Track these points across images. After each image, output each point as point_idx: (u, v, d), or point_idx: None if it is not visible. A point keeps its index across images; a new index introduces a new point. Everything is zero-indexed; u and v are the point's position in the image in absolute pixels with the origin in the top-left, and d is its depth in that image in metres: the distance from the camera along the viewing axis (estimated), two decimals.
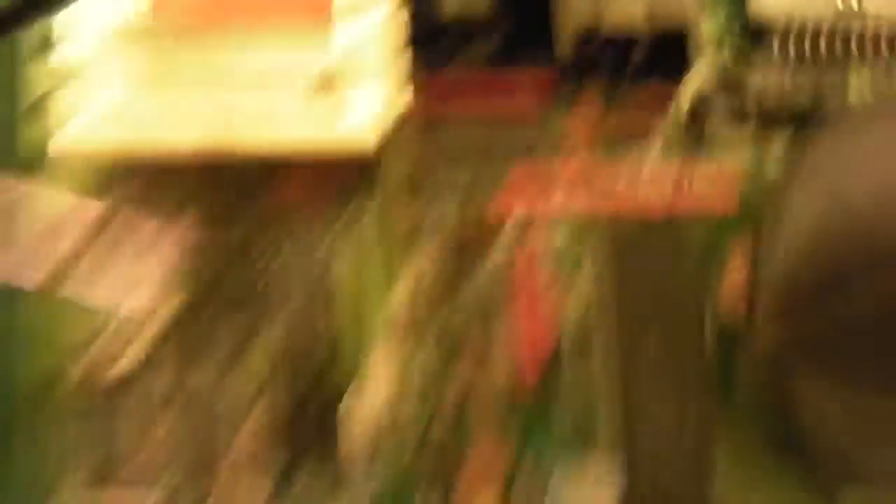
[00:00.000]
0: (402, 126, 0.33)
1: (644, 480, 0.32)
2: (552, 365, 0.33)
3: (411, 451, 0.32)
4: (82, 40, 0.31)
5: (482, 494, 0.32)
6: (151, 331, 0.32)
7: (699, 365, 0.33)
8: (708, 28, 0.35)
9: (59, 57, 0.31)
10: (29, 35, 0.33)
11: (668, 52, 0.34)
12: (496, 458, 0.32)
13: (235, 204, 0.32)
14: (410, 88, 0.33)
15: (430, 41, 0.33)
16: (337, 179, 0.32)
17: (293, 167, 0.31)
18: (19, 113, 0.33)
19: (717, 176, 0.35)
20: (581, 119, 0.34)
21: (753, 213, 0.35)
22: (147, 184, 0.32)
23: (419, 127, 0.33)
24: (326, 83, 0.31)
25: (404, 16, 0.33)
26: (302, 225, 0.33)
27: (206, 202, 0.32)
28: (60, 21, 0.31)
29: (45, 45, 0.32)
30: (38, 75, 0.33)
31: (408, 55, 0.33)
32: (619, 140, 0.35)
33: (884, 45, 0.36)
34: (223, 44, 0.31)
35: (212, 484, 0.31)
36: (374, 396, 0.32)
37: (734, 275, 0.34)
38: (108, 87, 0.31)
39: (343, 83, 0.31)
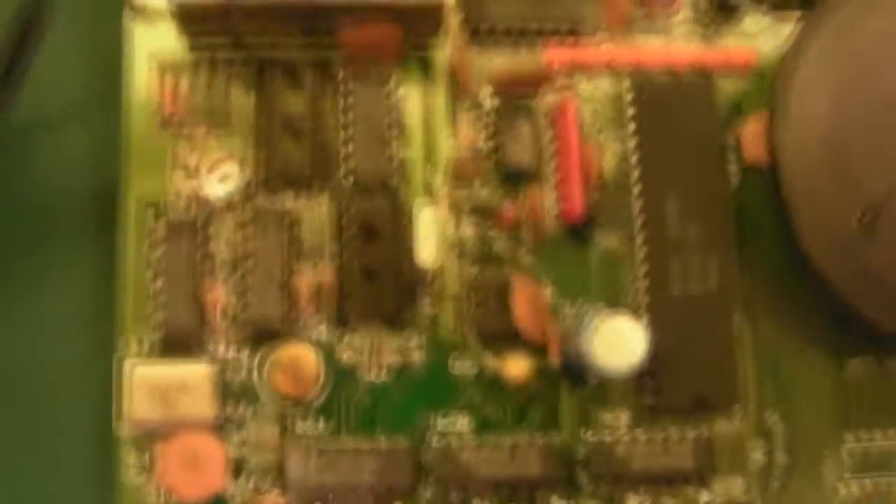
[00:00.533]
0: None
1: (670, 333, 0.36)
2: (595, 206, 0.37)
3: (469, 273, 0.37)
4: None
5: (529, 319, 0.36)
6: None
7: (723, 211, 0.37)
8: None
9: None
10: None
11: None
12: (540, 291, 0.36)
13: (318, 46, 0.37)
14: None
15: None
16: (409, 26, 0.36)
17: (370, 13, 0.35)
18: None
19: (742, 39, 0.39)
20: None
21: (772, 72, 0.38)
22: (240, 28, 0.36)
23: None
24: None
25: None
26: (378, 65, 0.37)
27: (294, 46, 0.37)
28: None
29: None
30: None
31: None
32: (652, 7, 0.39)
33: None
34: None
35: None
36: (439, 219, 0.36)
37: (756, 124, 0.38)
38: None
39: None
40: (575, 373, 0.35)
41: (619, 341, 0.34)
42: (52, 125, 0.37)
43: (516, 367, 0.35)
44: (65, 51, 0.38)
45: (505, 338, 0.36)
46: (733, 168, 0.38)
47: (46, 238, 0.37)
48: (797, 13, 0.39)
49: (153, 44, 0.37)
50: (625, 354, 0.34)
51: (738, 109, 0.38)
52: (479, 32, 0.38)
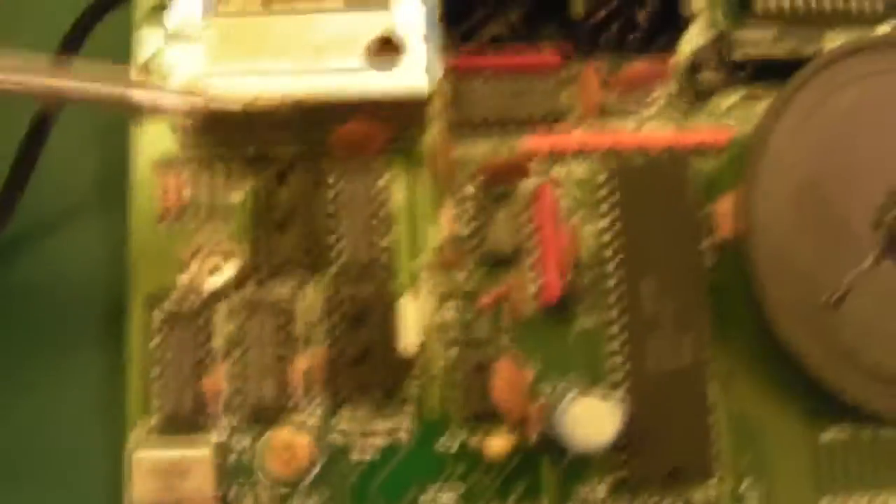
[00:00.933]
0: (445, 78, 0.39)
1: (647, 407, 0.37)
2: (572, 286, 0.39)
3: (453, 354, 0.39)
4: (186, 8, 0.37)
5: (508, 400, 0.38)
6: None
7: (698, 288, 0.38)
8: None
9: (168, 21, 0.37)
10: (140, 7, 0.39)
11: (666, 11, 0.39)
12: (520, 371, 0.38)
13: (309, 142, 0.39)
14: (450, 50, 0.40)
15: (468, 5, 0.39)
16: (394, 121, 0.38)
17: (358, 111, 0.37)
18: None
19: (714, 119, 0.41)
20: (589, 82, 0.40)
21: (744, 149, 0.40)
22: (232, 129, 0.38)
23: (457, 81, 0.40)
24: (385, 45, 0.37)
25: None
26: (365, 159, 0.39)
27: (284, 141, 0.39)
28: None
29: (157, 9, 0.39)
30: (149, 36, 0.39)
31: (448, 19, 0.39)
32: (626, 93, 0.41)
33: (854, 4, 0.42)
34: (295, 16, 0.37)
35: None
36: (424, 304, 0.38)
37: (730, 202, 0.39)
38: (201, 49, 0.37)
39: (400, 43, 0.37)
40: (554, 448, 0.37)
41: (592, 419, 0.36)
42: (61, 224, 0.40)
43: (497, 443, 0.37)
44: (72, 154, 0.40)
45: (486, 416, 0.38)
46: (708, 245, 0.39)
47: (57, 333, 0.39)
48: (769, 91, 0.41)
49: (154, 145, 0.39)
50: (597, 432, 0.36)
51: (712, 188, 0.40)
52: (461, 124, 0.40)
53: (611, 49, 0.40)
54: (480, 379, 0.38)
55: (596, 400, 0.36)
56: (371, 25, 0.37)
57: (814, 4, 0.41)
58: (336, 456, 0.38)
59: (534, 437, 0.37)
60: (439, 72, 0.38)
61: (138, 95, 0.35)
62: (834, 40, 0.41)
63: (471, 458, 0.38)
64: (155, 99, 0.36)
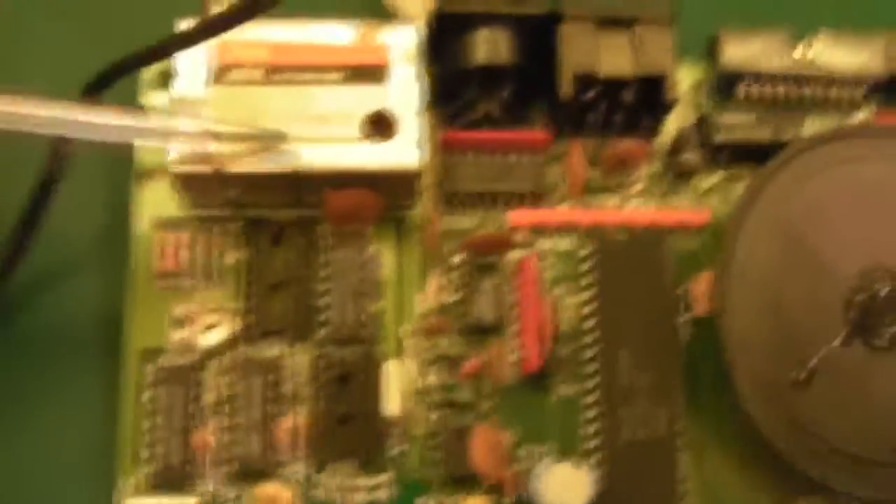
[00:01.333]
0: (436, 153, 0.41)
1: (619, 475, 0.39)
2: (551, 356, 0.40)
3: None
4: (190, 78, 0.39)
5: (486, 464, 0.39)
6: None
7: (673, 362, 0.40)
8: (684, 75, 0.43)
9: (172, 90, 0.38)
10: (148, 70, 0.41)
11: (650, 94, 0.41)
12: (499, 436, 0.40)
13: (303, 207, 0.40)
14: (441, 126, 0.41)
15: (460, 84, 0.41)
16: (386, 192, 0.40)
17: (352, 181, 0.39)
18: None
19: (694, 199, 0.43)
20: (575, 160, 0.42)
21: (720, 229, 0.41)
22: (236, 193, 0.39)
23: (447, 156, 0.42)
24: (379, 119, 0.39)
25: (440, 64, 0.41)
26: (357, 227, 0.41)
27: (281, 207, 0.41)
28: (176, 60, 0.38)
29: (163, 79, 0.41)
30: (153, 102, 0.41)
31: (440, 97, 0.41)
32: (610, 171, 0.42)
33: (833, 91, 0.44)
34: (295, 87, 0.39)
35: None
36: (408, 369, 0.40)
37: (707, 279, 0.41)
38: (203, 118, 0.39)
39: (393, 118, 0.39)
40: None
41: (565, 485, 0.37)
42: (62, 277, 0.41)
43: None
44: (77, 209, 0.42)
45: (465, 479, 0.39)
46: (684, 321, 0.41)
47: (53, 383, 0.41)
48: (748, 173, 0.42)
49: (156, 204, 0.41)
50: (570, 498, 0.37)
51: (690, 266, 0.42)
52: (450, 197, 0.41)
53: (597, 129, 0.42)
54: (460, 443, 0.39)
55: (569, 467, 0.37)
56: (367, 100, 0.39)
57: (794, 91, 0.43)
58: None
59: (511, 501, 0.39)
60: (430, 147, 0.40)
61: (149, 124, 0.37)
62: (813, 126, 0.43)
63: None
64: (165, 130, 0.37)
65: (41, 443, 0.40)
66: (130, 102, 0.41)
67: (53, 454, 0.40)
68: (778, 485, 0.40)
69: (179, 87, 0.39)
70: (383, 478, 0.39)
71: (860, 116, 0.44)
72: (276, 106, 0.39)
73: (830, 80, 0.43)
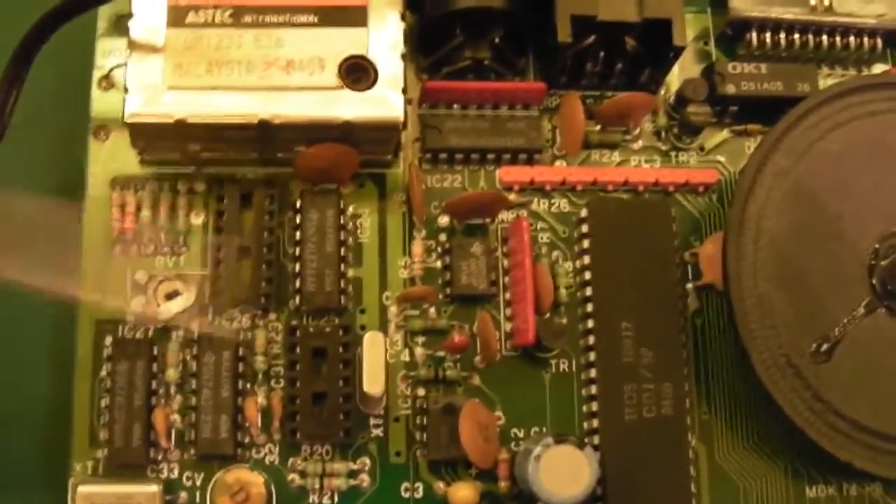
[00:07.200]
0: (419, 104, 0.38)
1: (623, 457, 0.35)
2: (548, 327, 0.37)
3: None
4: (148, 21, 0.35)
5: (476, 446, 0.36)
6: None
7: (679, 335, 0.36)
8: (690, 23, 0.39)
9: (130, 33, 0.35)
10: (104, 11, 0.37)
11: (654, 41, 0.37)
12: (490, 415, 0.36)
13: (273, 165, 0.37)
14: (424, 76, 0.38)
15: (445, 29, 0.37)
16: (364, 146, 0.36)
17: (327, 134, 0.35)
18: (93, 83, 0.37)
19: (701, 156, 0.39)
20: (572, 113, 0.38)
21: (731, 191, 0.38)
22: (199, 147, 0.36)
23: (433, 107, 0.38)
24: (357, 66, 0.35)
25: (422, 7, 0.37)
26: (333, 185, 0.37)
27: (248, 164, 0.37)
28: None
29: (122, 17, 0.37)
30: (110, 49, 0.38)
31: (422, 43, 0.37)
32: (610, 125, 0.39)
33: (852, 40, 0.40)
34: (266, 29, 0.36)
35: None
36: (390, 341, 0.36)
37: (715, 244, 0.38)
38: (168, 64, 0.35)
39: (372, 66, 0.35)
40: (525, 498, 0.35)
41: (564, 471, 0.34)
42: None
43: (464, 492, 0.35)
44: (30, 167, 0.38)
45: (453, 462, 0.36)
46: (692, 288, 0.38)
47: (5, 355, 0.37)
48: (759, 129, 0.39)
49: (113, 161, 0.37)
50: (570, 484, 0.34)
51: (697, 229, 0.38)
52: (435, 153, 0.38)
53: (595, 80, 0.39)
54: (448, 422, 0.36)
55: (570, 448, 0.34)
56: (343, 44, 0.35)
57: (809, 41, 0.40)
58: (293, 498, 0.35)
59: (503, 486, 0.35)
60: (415, 97, 0.36)
61: None
62: (829, 79, 0.40)
63: None
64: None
65: None
66: (88, 49, 0.37)
67: (3, 438, 0.36)
68: (793, 468, 0.37)
69: (136, 30, 0.35)
70: (363, 462, 0.36)
71: (880, 68, 0.41)
72: (241, 51, 0.35)
73: (848, 28, 0.40)
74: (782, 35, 0.40)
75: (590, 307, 0.37)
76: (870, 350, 0.35)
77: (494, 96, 0.38)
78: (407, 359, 0.36)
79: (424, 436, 0.36)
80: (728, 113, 0.39)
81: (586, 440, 0.35)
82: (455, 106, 0.38)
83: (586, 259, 0.37)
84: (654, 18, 0.37)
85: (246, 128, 0.35)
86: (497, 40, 0.38)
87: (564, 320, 0.37)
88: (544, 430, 0.36)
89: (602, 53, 0.38)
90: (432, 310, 0.37)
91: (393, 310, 0.37)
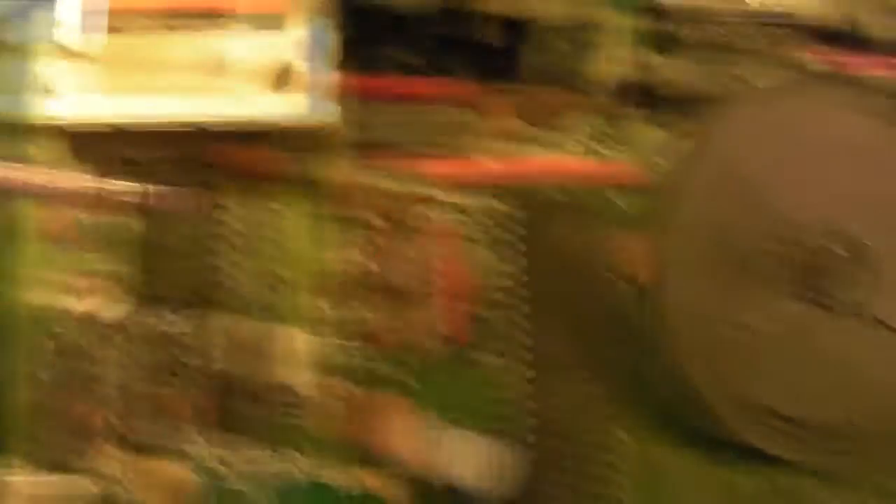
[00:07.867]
0: (347, 104, 0.38)
1: (548, 449, 0.36)
2: (474, 324, 0.37)
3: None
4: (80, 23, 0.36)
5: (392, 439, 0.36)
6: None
7: (605, 329, 0.37)
8: (619, 17, 0.39)
9: (61, 37, 0.36)
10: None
11: (582, 38, 0.38)
12: (415, 411, 0.37)
13: (203, 169, 0.37)
14: (354, 74, 0.38)
15: (373, 29, 0.38)
16: (292, 147, 0.37)
17: (255, 136, 0.36)
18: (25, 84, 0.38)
19: (629, 152, 0.40)
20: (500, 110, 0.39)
21: (658, 185, 0.39)
22: (123, 151, 0.37)
23: (360, 107, 0.38)
24: (284, 69, 0.36)
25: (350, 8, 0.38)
26: (262, 186, 0.38)
27: (177, 168, 0.38)
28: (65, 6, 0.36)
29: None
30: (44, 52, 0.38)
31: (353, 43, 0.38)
32: (538, 121, 0.39)
33: (785, 37, 0.41)
34: (195, 34, 0.36)
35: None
36: (319, 340, 0.37)
37: (642, 240, 0.38)
38: (95, 67, 0.36)
39: (298, 68, 0.36)
40: (451, 494, 0.36)
41: (471, 455, 0.35)
42: None
43: (384, 482, 0.36)
44: None
45: (376, 454, 0.36)
46: (621, 286, 0.38)
47: None
48: (687, 124, 0.39)
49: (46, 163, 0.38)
50: (473, 469, 0.34)
51: (624, 225, 0.39)
52: (363, 151, 0.38)
53: (524, 76, 0.39)
54: (372, 417, 0.36)
55: (470, 437, 0.35)
56: (271, 49, 0.36)
57: (738, 38, 0.40)
58: (222, 492, 0.36)
59: (430, 481, 0.36)
60: (339, 98, 0.37)
61: None
62: (757, 76, 0.40)
63: (360, 497, 0.36)
64: None
65: None
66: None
67: None
68: (724, 461, 0.37)
69: (65, 37, 0.35)
70: (294, 455, 0.36)
71: (814, 65, 0.41)
72: (174, 55, 0.36)
73: (782, 24, 0.40)
74: (714, 30, 0.40)
75: (516, 303, 0.37)
76: (793, 340, 0.36)
77: (424, 95, 0.38)
78: (334, 356, 0.37)
79: (350, 429, 0.36)
80: (658, 107, 0.40)
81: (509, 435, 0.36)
82: (382, 105, 0.38)
83: (514, 256, 0.38)
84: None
85: (179, 132, 0.35)
86: (426, 39, 0.38)
87: (492, 318, 0.38)
88: (468, 424, 0.37)
89: (528, 51, 0.38)
90: (360, 307, 0.37)
91: (320, 308, 0.37)
